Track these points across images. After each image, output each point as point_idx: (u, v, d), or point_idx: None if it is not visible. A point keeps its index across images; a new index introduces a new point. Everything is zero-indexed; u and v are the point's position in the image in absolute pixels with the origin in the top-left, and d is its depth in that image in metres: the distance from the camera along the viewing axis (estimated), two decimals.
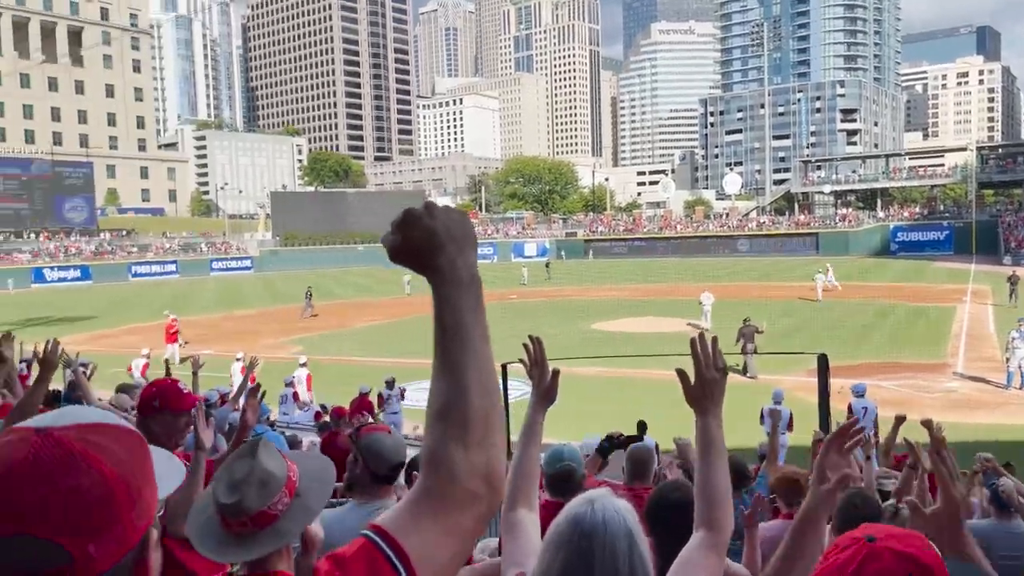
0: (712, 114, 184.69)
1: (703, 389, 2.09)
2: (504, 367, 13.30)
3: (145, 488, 0.91)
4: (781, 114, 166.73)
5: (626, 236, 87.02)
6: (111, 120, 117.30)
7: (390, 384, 15.37)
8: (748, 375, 20.43)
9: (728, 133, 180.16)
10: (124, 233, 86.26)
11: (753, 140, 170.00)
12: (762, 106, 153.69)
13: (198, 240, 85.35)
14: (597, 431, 13.61)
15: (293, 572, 1.75)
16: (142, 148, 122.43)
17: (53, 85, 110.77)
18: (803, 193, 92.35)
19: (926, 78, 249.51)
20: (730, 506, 2.04)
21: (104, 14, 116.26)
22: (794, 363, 19.44)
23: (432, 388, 1.22)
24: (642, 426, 10.25)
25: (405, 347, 27.86)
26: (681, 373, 2.12)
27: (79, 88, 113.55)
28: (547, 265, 62.38)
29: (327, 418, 10.85)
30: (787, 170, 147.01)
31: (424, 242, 1.22)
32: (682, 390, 2.15)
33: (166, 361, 16.15)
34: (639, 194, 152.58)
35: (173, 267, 75.47)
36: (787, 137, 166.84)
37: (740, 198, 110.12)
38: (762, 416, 12.32)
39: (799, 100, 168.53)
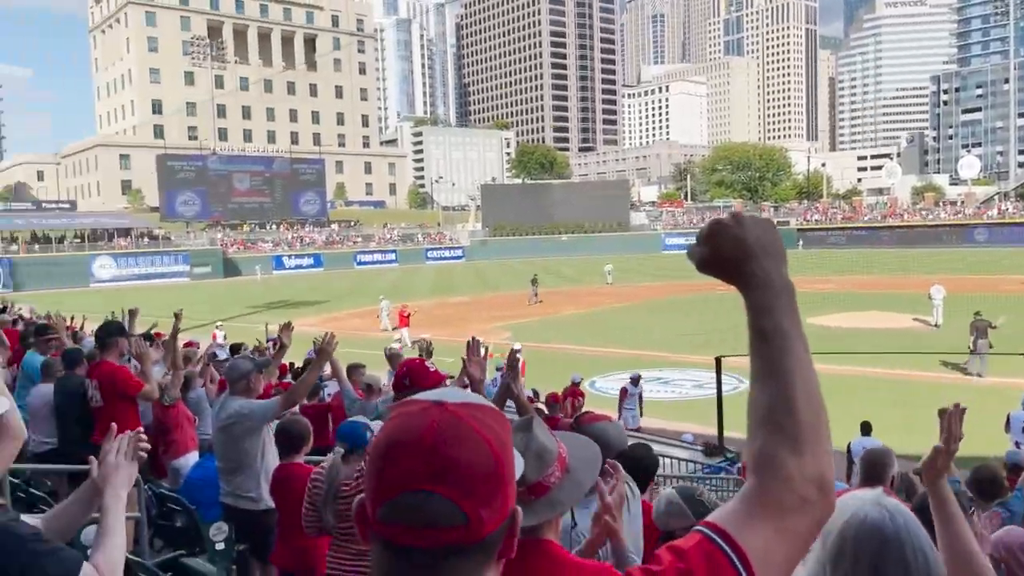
0: (946, 92, 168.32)
1: (943, 460, 2.12)
2: (718, 360, 13.15)
3: (512, 467, 1.01)
4: None
5: (845, 225, 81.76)
6: (340, 119, 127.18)
7: (635, 381, 15.48)
8: (974, 373, 18.77)
9: (965, 112, 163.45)
10: (350, 224, 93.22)
11: (995, 119, 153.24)
12: (1006, 81, 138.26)
13: (415, 231, 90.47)
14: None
15: (559, 542, 1.90)
16: (366, 145, 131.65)
17: (291, 89, 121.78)
18: None
19: None
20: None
21: (335, 21, 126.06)
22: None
23: (754, 394, 1.22)
24: (866, 427, 9.77)
25: (608, 336, 28.08)
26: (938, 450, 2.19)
27: (313, 91, 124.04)
28: None
29: (540, 404, 11.25)
30: None
31: (734, 251, 1.22)
32: (926, 461, 2.19)
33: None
34: (859, 180, 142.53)
35: (393, 256, 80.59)
36: None
37: (978, 183, 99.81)
38: (1008, 422, 11.25)
39: None
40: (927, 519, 3.41)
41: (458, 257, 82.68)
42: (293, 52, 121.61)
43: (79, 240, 69.52)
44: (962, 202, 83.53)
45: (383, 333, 31.24)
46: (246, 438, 5.35)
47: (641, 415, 15.08)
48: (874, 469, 3.99)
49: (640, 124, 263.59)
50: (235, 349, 11.76)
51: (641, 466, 3.77)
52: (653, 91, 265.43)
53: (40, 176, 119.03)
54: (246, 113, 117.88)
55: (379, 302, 34.24)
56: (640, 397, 15.34)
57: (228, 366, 6.11)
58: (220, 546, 6.03)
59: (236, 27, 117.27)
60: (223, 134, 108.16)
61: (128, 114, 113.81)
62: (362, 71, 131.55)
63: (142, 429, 2.51)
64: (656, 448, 11.53)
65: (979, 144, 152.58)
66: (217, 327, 25.06)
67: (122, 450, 2.42)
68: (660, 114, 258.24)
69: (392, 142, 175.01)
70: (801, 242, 78.30)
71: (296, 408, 6.20)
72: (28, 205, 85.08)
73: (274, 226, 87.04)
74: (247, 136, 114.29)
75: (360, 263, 77.64)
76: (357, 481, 4.23)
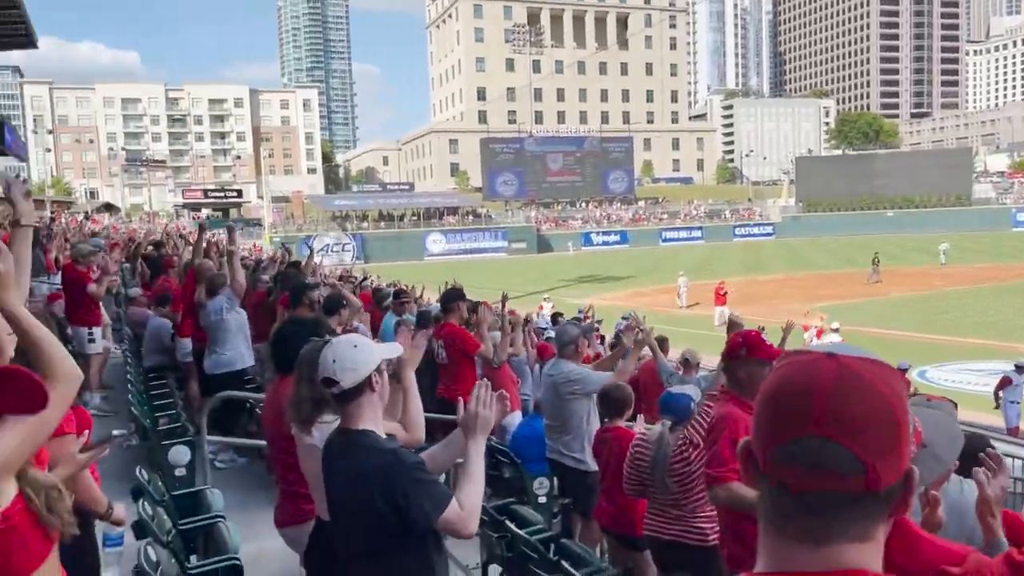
0: None
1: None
2: None
3: (908, 423, 1.00)
4: None
5: None
6: (649, 97, 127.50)
7: (1021, 369, 13.75)
8: None
9: None
10: (656, 201, 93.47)
11: None
12: None
13: (722, 207, 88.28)
14: None
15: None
16: (674, 121, 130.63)
17: (603, 69, 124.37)
18: None
19: None
20: None
21: None
22: None
23: None
24: None
25: (941, 322, 25.36)
26: None
27: (623, 70, 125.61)
28: None
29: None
30: None
31: None
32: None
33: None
34: None
35: (699, 233, 79.45)
36: None
37: None
38: None
39: None
40: None
41: (768, 234, 79.24)
42: (606, 32, 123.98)
43: (416, 218, 77.53)
44: None
45: (681, 311, 31.19)
46: (575, 401, 5.77)
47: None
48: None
49: (988, 84, 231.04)
50: (555, 318, 12.55)
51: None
52: (1005, 45, 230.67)
53: (385, 161, 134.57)
54: (560, 96, 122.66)
55: (677, 279, 34.33)
56: None
57: (557, 331, 6.60)
58: (542, 499, 6.58)
59: (553, 12, 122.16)
60: (539, 117, 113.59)
61: (457, 102, 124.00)
62: (672, 46, 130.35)
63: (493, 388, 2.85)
64: (1000, 448, 10.30)
65: None
66: (545, 299, 26.64)
67: (484, 401, 2.74)
68: (1014, 71, 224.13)
69: (701, 116, 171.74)
70: None
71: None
72: (376, 187, 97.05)
73: (583, 204, 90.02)
74: (560, 118, 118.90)
75: (665, 240, 77.60)
76: (681, 449, 4.41)
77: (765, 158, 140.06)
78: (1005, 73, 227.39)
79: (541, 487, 6.63)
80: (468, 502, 2.62)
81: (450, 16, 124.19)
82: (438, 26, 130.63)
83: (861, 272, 42.26)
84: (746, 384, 3.65)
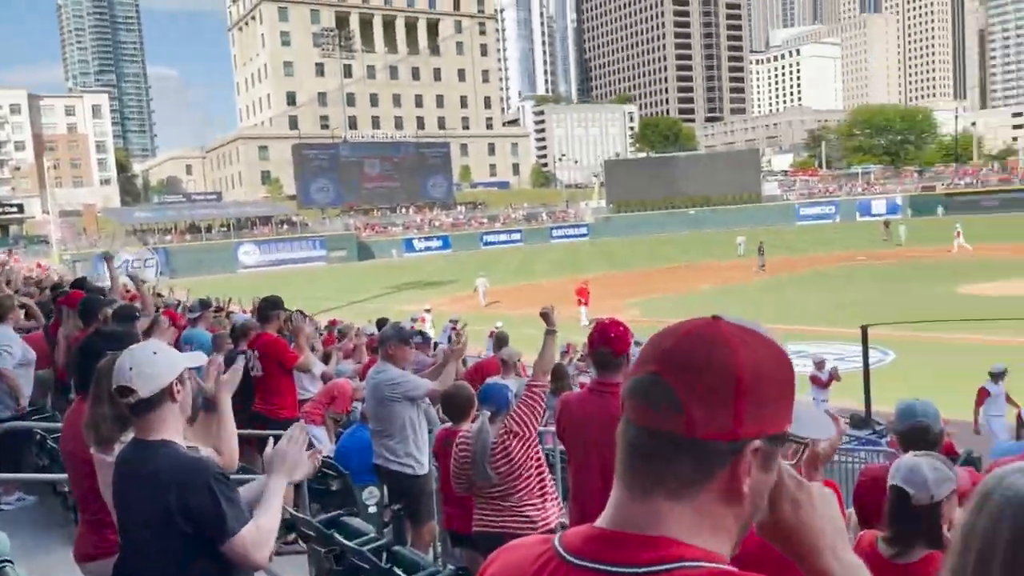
0: None
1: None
2: (864, 329, 12.59)
3: (771, 396, 0.99)
4: None
5: (998, 188, 75.91)
6: (463, 102, 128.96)
7: (996, 376, 11.95)
8: None
9: None
10: (476, 206, 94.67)
11: None
12: None
13: (539, 210, 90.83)
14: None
15: None
16: (489, 126, 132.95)
17: (416, 75, 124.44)
18: None
19: None
20: None
21: (456, 4, 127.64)
22: None
23: None
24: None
25: (744, 311, 27.35)
26: None
27: (437, 75, 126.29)
28: (886, 225, 55.25)
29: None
30: None
31: (799, 543, 1.07)
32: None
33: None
34: (1015, 139, 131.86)
35: (518, 235, 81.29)
36: None
37: None
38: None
39: None
40: None
41: (583, 235, 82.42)
42: (417, 38, 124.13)
43: (225, 229, 73.89)
44: None
45: (482, 311, 31.82)
46: (398, 404, 5.61)
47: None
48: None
49: (769, 91, 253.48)
50: (380, 323, 12.27)
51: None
52: (783, 55, 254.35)
53: (188, 170, 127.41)
54: (374, 101, 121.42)
55: (476, 280, 35.34)
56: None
57: (382, 334, 6.42)
58: (372, 509, 6.39)
59: (362, 16, 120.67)
60: (353, 122, 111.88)
61: (265, 107, 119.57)
62: (484, 53, 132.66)
63: (323, 452, 2.69)
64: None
65: None
66: (426, 311, 25.96)
67: (296, 442, 2.63)
68: (791, 79, 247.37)
69: (514, 122, 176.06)
70: (942, 208, 73.12)
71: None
72: (179, 198, 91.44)
73: (404, 210, 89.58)
74: (375, 123, 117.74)
75: (487, 243, 78.76)
76: (503, 439, 4.42)
77: (577, 161, 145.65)
78: (785, 80, 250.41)
79: (371, 496, 6.45)
80: (265, 527, 2.48)
81: (253, 18, 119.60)
82: (241, 28, 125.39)
83: (673, 268, 44.98)
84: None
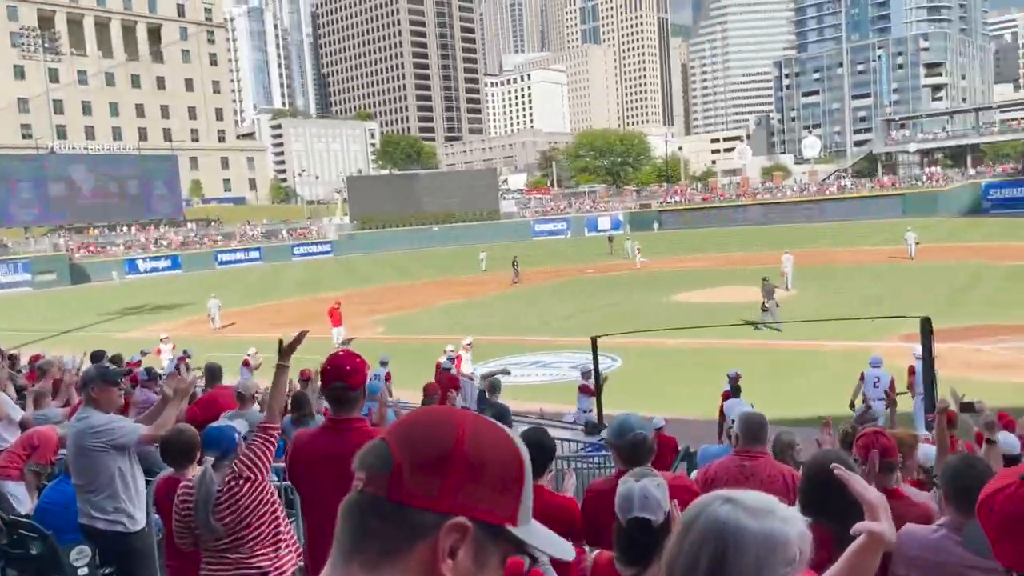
0: (787, 76, 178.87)
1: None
2: (594, 340, 13.38)
3: (490, 480, 0.96)
4: (861, 72, 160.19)
5: (702, 206, 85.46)
6: (192, 113, 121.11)
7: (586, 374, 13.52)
8: (771, 326, 22.23)
9: (805, 95, 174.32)
10: (209, 223, 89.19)
11: (831, 101, 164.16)
12: (840, 65, 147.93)
13: (279, 227, 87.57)
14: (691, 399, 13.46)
15: None
16: (222, 139, 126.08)
17: (136, 82, 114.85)
18: (886, 153, 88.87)
19: (1016, 26, 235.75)
20: None
21: (180, 10, 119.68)
22: (885, 328, 18.87)
23: None
24: (736, 388, 10.25)
25: (483, 324, 28.16)
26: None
27: (160, 84, 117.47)
28: (610, 240, 59.80)
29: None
30: (868, 130, 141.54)
31: None
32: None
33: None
34: (713, 162, 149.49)
35: (257, 254, 77.74)
36: (867, 96, 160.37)
37: (819, 161, 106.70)
38: (863, 379, 11.94)
39: (879, 57, 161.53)
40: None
41: (326, 252, 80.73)
42: (136, 43, 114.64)
43: None
44: (806, 180, 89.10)
45: (216, 334, 30.34)
46: (105, 455, 4.94)
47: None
48: (755, 430, 4.07)
49: (505, 113, 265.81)
50: (96, 357, 10.91)
51: (544, 449, 3.83)
52: (515, 79, 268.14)
53: None
54: (87, 109, 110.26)
55: (208, 301, 33.43)
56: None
57: (85, 375, 5.62)
58: (83, 571, 5.57)
59: (71, 16, 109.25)
60: (62, 132, 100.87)
61: None
62: (213, 62, 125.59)
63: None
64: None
65: (818, 125, 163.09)
66: (163, 340, 22.82)
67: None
68: (523, 102, 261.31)
69: (250, 135, 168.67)
70: (657, 224, 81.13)
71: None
72: None
73: (125, 228, 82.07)
74: (89, 133, 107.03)
75: (222, 263, 74.50)
76: (230, 485, 4.03)
77: (318, 177, 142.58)
78: (518, 103, 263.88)
79: (80, 556, 5.64)
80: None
81: None
82: None
83: (417, 284, 45.29)
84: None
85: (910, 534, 3.04)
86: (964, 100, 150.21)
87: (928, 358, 10.24)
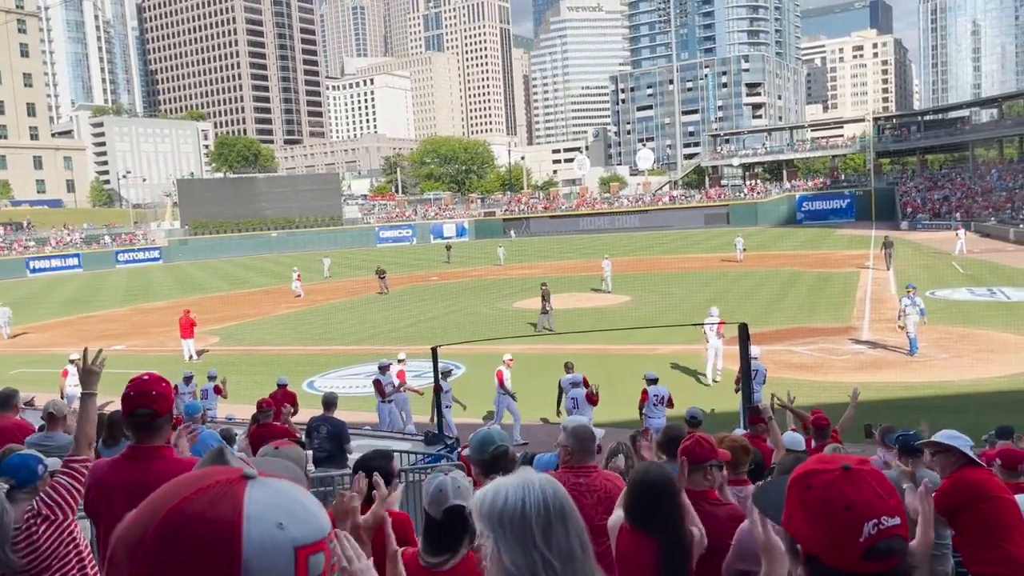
0: (623, 91, 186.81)
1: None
2: (434, 350, 13.32)
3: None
4: (689, 89, 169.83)
5: (543, 214, 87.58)
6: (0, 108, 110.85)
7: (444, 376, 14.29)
8: (549, 329, 24.00)
9: (639, 109, 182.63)
10: (20, 227, 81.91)
11: (663, 116, 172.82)
12: (671, 82, 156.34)
13: (101, 231, 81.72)
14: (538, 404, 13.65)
15: None
16: (34, 136, 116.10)
17: None
18: (713, 166, 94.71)
19: (824, 51, 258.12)
20: None
21: None
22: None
23: None
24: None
25: (324, 333, 27.49)
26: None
27: None
28: (448, 248, 59.81)
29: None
30: (697, 144, 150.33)
31: None
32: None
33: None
34: (555, 172, 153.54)
35: (76, 260, 72.16)
36: (696, 112, 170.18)
37: (653, 173, 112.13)
38: (646, 399, 12.67)
39: (706, 75, 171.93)
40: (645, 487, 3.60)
41: (155, 259, 76.19)
42: None
43: None
44: (640, 190, 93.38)
45: (7, 346, 28.28)
46: None
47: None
48: (586, 444, 4.15)
49: (347, 117, 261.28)
50: None
51: (383, 472, 3.78)
52: (358, 83, 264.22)
53: None
54: None
55: None
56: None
57: None
58: None
59: None
60: None
61: None
62: (24, 54, 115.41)
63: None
64: (380, 443, 11.41)
65: (652, 138, 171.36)
66: (72, 361, 19.84)
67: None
68: (367, 107, 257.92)
69: (67, 133, 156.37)
70: (514, 232, 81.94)
71: None
72: None
73: None
74: None
75: (35, 270, 68.64)
76: (28, 523, 3.66)
77: (145, 180, 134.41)
78: (361, 107, 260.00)
79: None
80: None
81: None
82: None
83: (253, 292, 43.51)
84: None
85: (746, 530, 3.26)
86: (780, 118, 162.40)
87: (745, 361, 10.94)
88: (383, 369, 14.72)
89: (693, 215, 78.25)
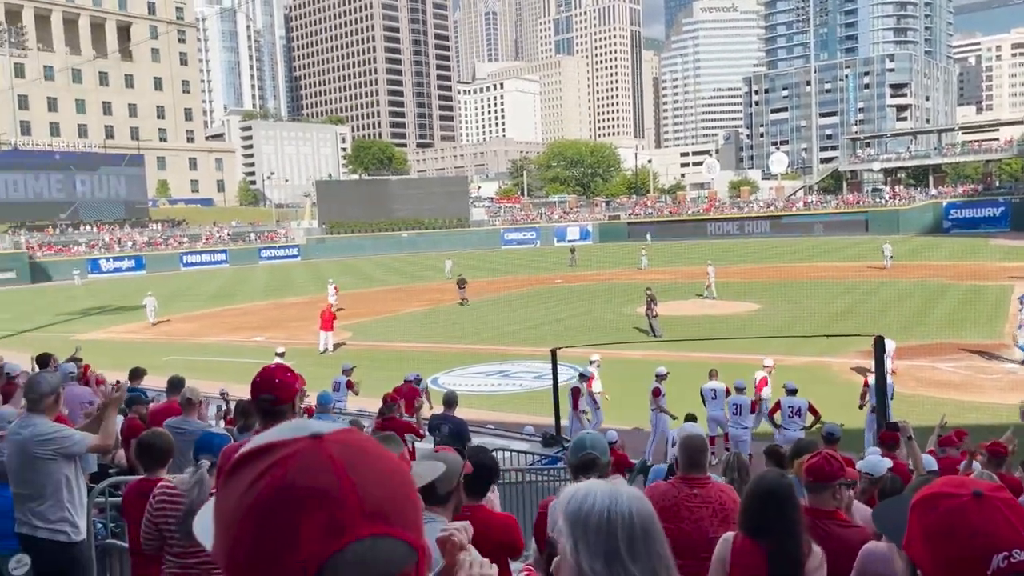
0: (757, 92, 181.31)
1: None
2: (553, 352, 13.39)
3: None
4: (828, 91, 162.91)
5: (670, 218, 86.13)
6: (160, 113, 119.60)
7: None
8: (656, 334, 23.80)
9: (773, 111, 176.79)
10: (175, 223, 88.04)
11: (799, 118, 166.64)
12: (808, 83, 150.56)
13: (246, 229, 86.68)
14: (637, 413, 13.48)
15: None
16: (190, 139, 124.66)
17: (104, 80, 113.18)
18: (851, 171, 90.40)
19: (979, 50, 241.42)
20: None
21: (151, 8, 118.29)
22: (846, 344, 19.16)
23: None
24: (690, 418, 10.26)
25: (449, 332, 28.11)
26: None
27: (129, 82, 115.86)
28: (572, 251, 59.27)
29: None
30: (834, 148, 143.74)
31: None
32: None
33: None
34: (683, 175, 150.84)
35: (223, 256, 76.86)
36: (834, 114, 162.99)
37: (786, 177, 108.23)
38: (778, 409, 12.21)
39: (847, 76, 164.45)
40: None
41: (294, 256, 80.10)
42: (105, 40, 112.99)
43: None
44: (773, 195, 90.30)
45: (144, 333, 30.28)
46: (52, 463, 4.86)
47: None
48: (695, 456, 4.10)
49: (477, 120, 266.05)
50: (44, 362, 10.64)
51: (485, 470, 3.88)
52: (488, 88, 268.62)
53: None
54: (52, 105, 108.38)
55: (145, 298, 34.44)
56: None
57: (29, 382, 5.48)
58: None
59: (38, 12, 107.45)
60: (26, 128, 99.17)
61: None
62: (183, 62, 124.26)
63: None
64: (499, 442, 11.58)
65: (786, 141, 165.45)
66: (279, 355, 21.57)
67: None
68: (496, 111, 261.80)
69: (219, 136, 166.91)
70: (649, 235, 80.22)
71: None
72: None
73: (89, 227, 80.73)
74: (54, 130, 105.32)
75: (187, 264, 73.56)
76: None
77: (287, 180, 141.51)
78: (490, 111, 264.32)
79: (20, 565, 5.51)
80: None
81: None
82: None
83: (384, 290, 45.08)
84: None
85: (869, 551, 3.18)
86: (928, 121, 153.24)
87: (880, 375, 10.42)
88: (584, 378, 14.47)
89: (829, 221, 74.94)
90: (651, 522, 1.44)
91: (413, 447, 8.25)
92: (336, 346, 25.24)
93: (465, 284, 36.47)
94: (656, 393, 13.31)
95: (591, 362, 15.20)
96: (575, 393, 13.99)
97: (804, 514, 3.35)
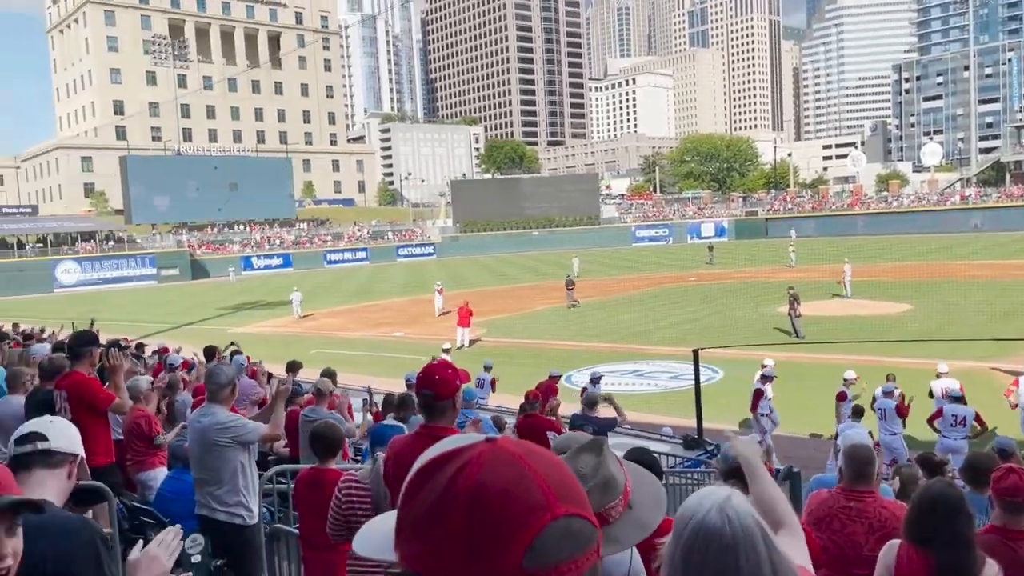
0: (907, 80, 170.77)
1: None
2: (696, 352, 13.17)
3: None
4: (989, 76, 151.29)
5: (812, 214, 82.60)
6: (306, 117, 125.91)
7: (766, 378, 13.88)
8: (799, 335, 23.13)
9: (926, 100, 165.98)
10: (320, 223, 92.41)
11: (955, 106, 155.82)
12: (966, 68, 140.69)
13: (385, 228, 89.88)
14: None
15: None
16: (333, 142, 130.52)
17: (256, 88, 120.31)
18: (1015, 162, 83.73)
19: None
20: None
21: (299, 18, 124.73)
22: (1005, 349, 17.85)
23: None
24: (858, 410, 9.93)
25: (582, 330, 28.11)
26: None
27: (278, 89, 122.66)
28: (710, 249, 57.17)
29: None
30: (996, 137, 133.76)
31: None
32: None
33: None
34: (825, 169, 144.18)
35: (364, 254, 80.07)
36: (995, 101, 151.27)
37: (940, 169, 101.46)
38: (940, 415, 11.46)
39: (1010, 60, 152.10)
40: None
41: (429, 254, 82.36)
42: (257, 50, 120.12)
43: (41, 245, 68.15)
44: (926, 188, 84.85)
45: (292, 327, 31.53)
46: (229, 450, 5.26)
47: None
48: (861, 468, 3.96)
49: (608, 117, 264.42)
50: (211, 354, 11.50)
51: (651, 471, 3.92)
52: (620, 84, 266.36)
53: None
54: (210, 113, 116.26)
55: (291, 294, 36.50)
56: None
57: (209, 372, 5.96)
58: (196, 559, 5.89)
59: (198, 26, 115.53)
60: (187, 134, 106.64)
61: (89, 115, 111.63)
62: (327, 68, 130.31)
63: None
64: (638, 443, 11.53)
65: (940, 131, 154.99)
66: (445, 351, 23.02)
67: (167, 546, 2.35)
68: (627, 107, 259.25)
69: (360, 139, 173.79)
70: (794, 231, 78.22)
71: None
72: None
73: (242, 227, 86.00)
74: (212, 136, 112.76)
75: (331, 262, 77.05)
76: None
77: (423, 180, 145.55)
78: (622, 107, 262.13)
79: (195, 545, 5.98)
80: None
81: (76, 21, 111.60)
82: (62, 31, 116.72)
83: (515, 287, 45.66)
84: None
85: None
86: None
87: None
88: (766, 379, 14.06)
89: (989, 216, 69.71)
90: (755, 539, 1.22)
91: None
92: (472, 342, 25.78)
93: (573, 286, 35.05)
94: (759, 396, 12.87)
95: (764, 365, 14.64)
96: (757, 395, 13.58)
97: (992, 532, 3.22)
